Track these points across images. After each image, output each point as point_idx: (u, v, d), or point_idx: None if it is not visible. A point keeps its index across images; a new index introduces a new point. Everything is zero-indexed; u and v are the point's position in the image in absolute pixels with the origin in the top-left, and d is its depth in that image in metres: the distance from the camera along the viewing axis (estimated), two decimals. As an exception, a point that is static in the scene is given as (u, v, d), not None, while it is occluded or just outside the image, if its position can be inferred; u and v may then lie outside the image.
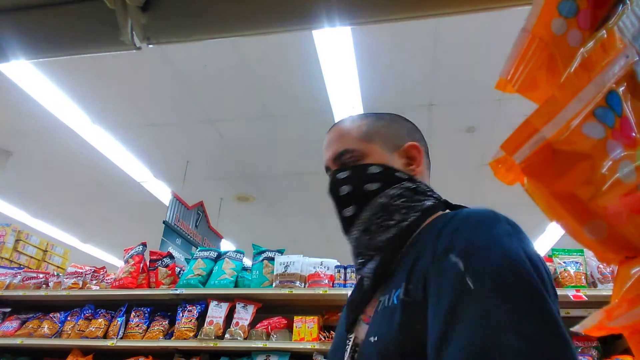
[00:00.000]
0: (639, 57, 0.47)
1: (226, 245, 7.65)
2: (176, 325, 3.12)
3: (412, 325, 0.68)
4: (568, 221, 0.55)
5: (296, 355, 2.93)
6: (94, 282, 3.55)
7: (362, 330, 0.80)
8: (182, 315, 3.15)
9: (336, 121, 1.02)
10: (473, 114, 4.42)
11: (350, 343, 0.82)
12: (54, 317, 3.43)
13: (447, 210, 0.89)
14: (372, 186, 0.88)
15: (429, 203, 0.88)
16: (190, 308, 3.19)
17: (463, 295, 0.61)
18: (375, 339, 0.73)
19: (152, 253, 3.65)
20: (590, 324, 0.47)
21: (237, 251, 3.44)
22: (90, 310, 3.41)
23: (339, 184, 0.91)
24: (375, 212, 0.86)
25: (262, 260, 3.31)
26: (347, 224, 0.90)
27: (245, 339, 2.97)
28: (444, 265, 0.66)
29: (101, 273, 3.65)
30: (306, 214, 6.94)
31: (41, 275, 3.79)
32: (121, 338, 3.16)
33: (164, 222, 5.18)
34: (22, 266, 4.59)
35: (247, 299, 3.18)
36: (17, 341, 3.24)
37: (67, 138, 5.00)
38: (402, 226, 0.84)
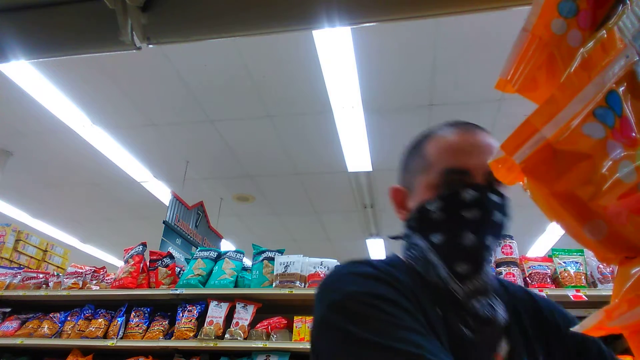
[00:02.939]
0: (639, 57, 0.47)
1: (226, 245, 7.64)
2: (176, 325, 3.12)
3: None
4: (568, 221, 0.55)
5: (296, 355, 2.93)
6: (94, 282, 3.55)
7: None
8: (182, 315, 3.15)
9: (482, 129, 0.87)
10: (473, 114, 4.42)
11: None
12: (54, 317, 3.43)
13: None
14: (507, 224, 0.80)
15: None
16: (190, 308, 3.19)
17: None
18: None
19: (152, 253, 3.65)
20: (590, 324, 0.47)
21: (237, 251, 3.44)
22: (90, 310, 3.41)
23: (494, 207, 0.77)
24: (492, 254, 0.81)
25: (262, 260, 3.31)
26: (482, 254, 0.77)
27: (245, 339, 2.97)
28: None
29: (101, 273, 3.65)
30: (306, 214, 6.94)
31: (41, 275, 3.79)
32: (121, 338, 3.16)
33: (164, 222, 5.18)
34: (22, 266, 4.60)
35: (247, 299, 3.18)
36: (17, 341, 3.24)
37: (67, 138, 5.00)
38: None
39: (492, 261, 3.02)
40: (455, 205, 0.77)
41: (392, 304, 0.68)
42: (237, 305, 3.15)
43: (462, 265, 0.77)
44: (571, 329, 0.56)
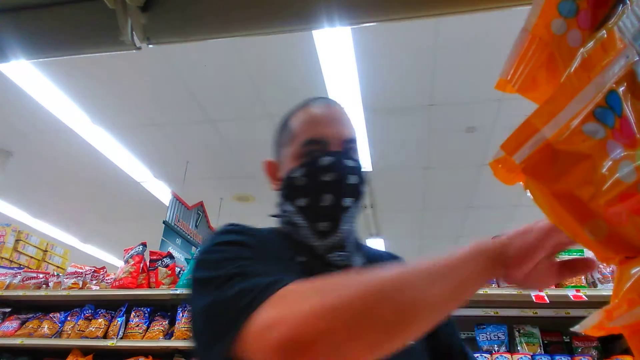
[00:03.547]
0: (639, 57, 0.47)
1: (226, 245, 7.63)
2: (176, 325, 3.12)
3: None
4: (568, 221, 0.55)
5: (296, 355, 2.93)
6: (94, 282, 3.55)
7: None
8: (182, 315, 3.15)
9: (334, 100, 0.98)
10: (473, 114, 4.41)
11: None
12: (54, 317, 3.43)
13: None
14: (362, 187, 0.91)
15: None
16: (190, 308, 3.19)
17: None
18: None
19: (152, 253, 3.65)
20: (590, 324, 0.47)
21: (237, 251, 3.44)
22: (90, 310, 3.41)
23: (349, 171, 0.87)
24: (357, 213, 0.91)
25: (262, 260, 3.31)
26: (340, 214, 0.86)
27: (245, 339, 2.97)
28: None
29: (101, 273, 3.65)
30: (306, 214, 6.93)
31: (41, 275, 3.79)
32: (121, 338, 3.16)
33: (164, 222, 5.18)
34: (22, 266, 4.59)
35: (247, 299, 3.17)
36: (17, 341, 3.24)
37: (67, 138, 5.00)
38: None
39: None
40: (315, 171, 0.86)
41: (236, 245, 0.75)
42: (237, 305, 3.14)
43: (323, 223, 0.86)
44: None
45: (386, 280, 0.58)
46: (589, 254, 3.20)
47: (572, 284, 2.80)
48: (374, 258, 0.96)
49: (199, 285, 0.72)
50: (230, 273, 0.67)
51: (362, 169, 0.90)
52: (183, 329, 3.07)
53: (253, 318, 0.58)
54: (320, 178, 0.85)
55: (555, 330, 2.92)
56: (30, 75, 4.05)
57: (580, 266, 0.67)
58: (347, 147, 0.89)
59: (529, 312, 2.83)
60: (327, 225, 0.86)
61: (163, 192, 6.29)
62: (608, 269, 2.85)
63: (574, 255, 2.97)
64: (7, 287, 3.63)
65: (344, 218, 0.86)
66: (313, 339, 0.54)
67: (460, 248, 0.63)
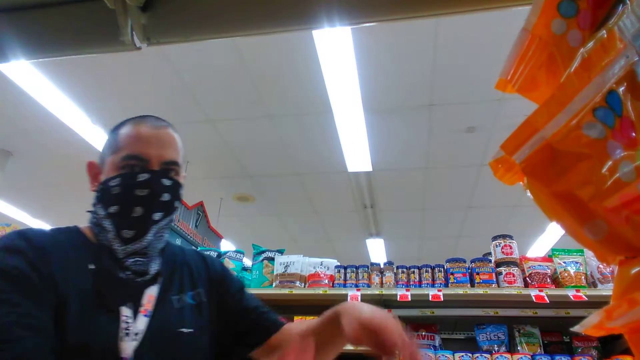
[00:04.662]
0: (639, 57, 0.47)
1: (226, 245, 7.64)
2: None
3: (210, 319, 1.02)
4: (568, 221, 0.55)
5: (296, 355, 2.93)
6: (94, 282, 3.55)
7: (141, 320, 0.90)
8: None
9: (164, 122, 1.08)
10: (473, 114, 4.41)
11: (123, 327, 0.87)
12: (54, 317, 3.43)
13: None
14: (176, 204, 1.02)
15: None
16: (190, 308, 3.19)
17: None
18: (191, 330, 0.95)
19: (152, 253, 3.64)
20: (590, 324, 0.47)
21: (237, 251, 3.44)
22: (90, 310, 3.41)
23: (163, 189, 0.97)
24: (167, 224, 1.01)
25: (262, 260, 3.31)
26: (148, 225, 0.96)
27: (245, 339, 2.97)
28: (231, 274, 1.16)
29: (101, 273, 3.65)
30: (306, 214, 6.94)
31: (41, 275, 3.79)
32: (121, 338, 3.15)
33: (164, 222, 5.17)
34: (22, 266, 4.59)
35: (247, 299, 3.17)
36: (17, 341, 3.23)
37: (67, 138, 5.00)
38: (166, 241, 1.06)
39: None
40: (131, 184, 0.95)
41: (5, 280, 0.80)
42: (237, 305, 3.14)
43: (128, 231, 0.95)
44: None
45: None
46: (588, 253, 3.18)
47: (572, 284, 2.80)
48: (180, 262, 1.07)
49: None
50: None
51: (179, 189, 1.01)
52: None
53: None
54: (134, 191, 0.94)
55: (555, 330, 2.92)
56: (30, 75, 4.05)
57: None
58: (166, 167, 0.98)
59: (529, 312, 2.84)
60: (132, 233, 0.95)
61: (163, 192, 6.27)
62: (608, 269, 2.85)
63: (574, 255, 2.96)
64: (7, 287, 3.63)
65: (151, 229, 0.96)
66: None
67: None
